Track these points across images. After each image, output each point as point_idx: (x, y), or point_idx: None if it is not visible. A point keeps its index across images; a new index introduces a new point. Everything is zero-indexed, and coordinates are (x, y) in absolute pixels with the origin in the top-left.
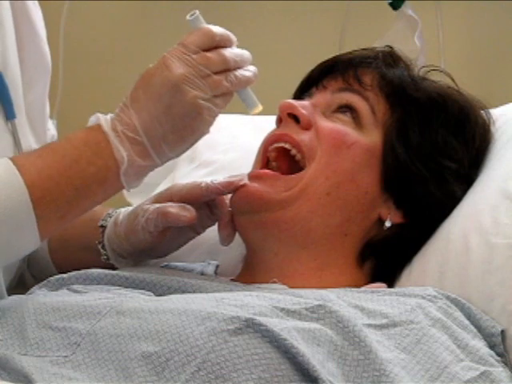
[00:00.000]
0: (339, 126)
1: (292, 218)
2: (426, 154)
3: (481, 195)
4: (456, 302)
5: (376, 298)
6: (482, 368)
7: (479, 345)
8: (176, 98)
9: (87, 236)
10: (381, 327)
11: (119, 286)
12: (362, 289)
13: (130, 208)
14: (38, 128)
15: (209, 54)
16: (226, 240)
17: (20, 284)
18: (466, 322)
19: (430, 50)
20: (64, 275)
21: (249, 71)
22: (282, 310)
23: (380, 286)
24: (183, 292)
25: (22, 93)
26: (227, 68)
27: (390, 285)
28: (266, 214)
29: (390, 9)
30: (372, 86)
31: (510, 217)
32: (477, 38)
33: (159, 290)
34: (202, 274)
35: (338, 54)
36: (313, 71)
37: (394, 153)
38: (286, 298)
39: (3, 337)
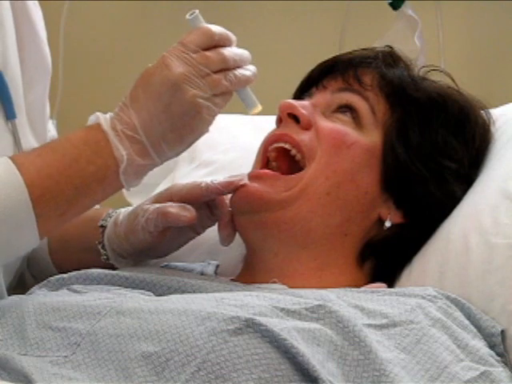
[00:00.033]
0: (339, 125)
1: (292, 218)
2: (426, 153)
3: (481, 195)
4: (456, 302)
5: (376, 298)
6: (482, 368)
7: (479, 345)
8: (175, 96)
9: (87, 236)
10: (381, 327)
11: (119, 286)
12: (362, 289)
13: (130, 208)
14: (38, 128)
15: (208, 53)
16: (226, 240)
17: (20, 284)
18: (466, 321)
19: (430, 50)
20: (64, 275)
21: (248, 71)
22: (282, 310)
23: (380, 286)
24: (183, 292)
25: (23, 93)
26: (226, 67)
27: (390, 285)
28: (266, 213)
29: (389, 9)
30: (372, 86)
31: (510, 217)
32: (477, 38)
33: (159, 290)
34: (202, 273)
35: (337, 53)
36: (313, 71)
37: (394, 153)
38: (286, 298)
39: (3, 337)
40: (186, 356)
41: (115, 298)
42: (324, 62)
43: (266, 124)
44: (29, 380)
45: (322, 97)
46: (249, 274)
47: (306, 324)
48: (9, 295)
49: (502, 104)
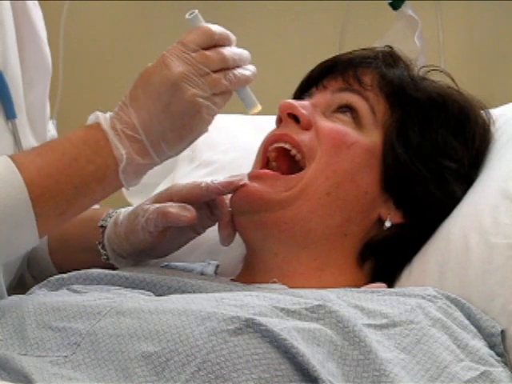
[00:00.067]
0: (339, 126)
1: (292, 218)
2: (425, 153)
3: (481, 195)
4: (456, 302)
5: (376, 298)
6: (482, 368)
7: (479, 345)
8: (175, 96)
9: (87, 236)
10: (381, 327)
11: (119, 285)
12: (362, 289)
13: (131, 208)
14: (38, 128)
15: (208, 53)
16: (226, 240)
17: (20, 284)
18: (466, 321)
19: (430, 50)
20: (64, 275)
21: (248, 70)
22: (282, 310)
23: (380, 286)
24: (183, 292)
25: (23, 93)
26: (226, 66)
27: (390, 285)
28: (265, 214)
29: (390, 9)
30: (372, 86)
31: (510, 217)
32: (477, 38)
33: (159, 290)
34: (202, 273)
35: (337, 54)
36: (313, 71)
37: (394, 153)
38: (286, 298)
39: (3, 337)
40: (186, 356)
41: (115, 297)
42: (324, 62)
43: (266, 124)
44: (29, 380)
45: (322, 97)
46: (249, 273)
47: (306, 324)
48: (9, 295)
49: (502, 104)
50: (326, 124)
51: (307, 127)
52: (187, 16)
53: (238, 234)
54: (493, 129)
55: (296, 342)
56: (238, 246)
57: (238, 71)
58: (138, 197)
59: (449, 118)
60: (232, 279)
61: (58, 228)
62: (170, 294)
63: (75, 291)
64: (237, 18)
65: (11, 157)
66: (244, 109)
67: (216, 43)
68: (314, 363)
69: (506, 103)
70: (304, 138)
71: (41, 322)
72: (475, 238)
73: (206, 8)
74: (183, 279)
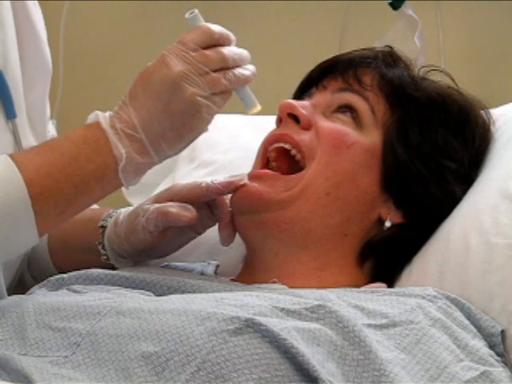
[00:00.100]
0: (339, 126)
1: (292, 218)
2: (425, 153)
3: (481, 195)
4: (456, 302)
5: (376, 298)
6: (482, 368)
7: (479, 345)
8: (175, 95)
9: (87, 237)
10: (381, 327)
11: (119, 286)
12: (362, 289)
13: (131, 208)
14: (39, 128)
15: (207, 52)
16: (226, 240)
17: (20, 284)
18: (466, 321)
19: (430, 50)
20: (64, 275)
21: (247, 70)
22: (282, 310)
23: (380, 286)
24: (183, 292)
25: (23, 93)
26: (226, 66)
27: (390, 285)
28: (265, 214)
29: (389, 9)
30: (372, 86)
31: (509, 217)
32: (477, 38)
33: (159, 290)
34: (202, 274)
35: (337, 54)
36: (313, 71)
37: (394, 153)
38: (286, 298)
39: (3, 337)
40: (186, 356)
41: (115, 298)
42: (324, 62)
43: (266, 124)
44: (29, 380)
45: (322, 97)
46: (249, 273)
47: (306, 324)
48: (9, 295)
49: (502, 104)
50: (326, 124)
51: (307, 127)
52: (187, 15)
53: (238, 234)
54: (493, 129)
55: (296, 342)
56: (238, 246)
57: (238, 71)
58: (138, 197)
59: (449, 117)
60: (232, 279)
61: (58, 227)
62: (170, 294)
63: (75, 291)
64: (237, 17)
65: (11, 156)
66: (244, 109)
67: (216, 43)
68: (314, 363)
69: (506, 103)
70: (304, 138)
71: (41, 322)
72: (475, 238)
73: (205, 8)
74: (183, 279)
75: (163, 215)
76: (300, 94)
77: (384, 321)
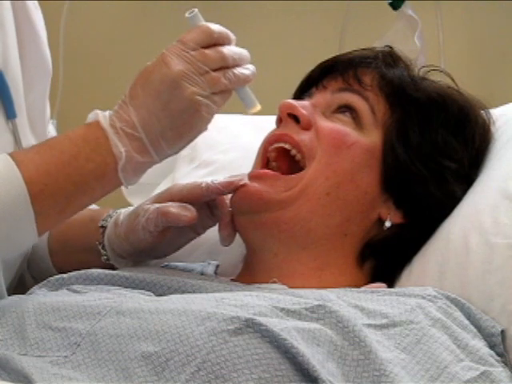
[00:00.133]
0: (339, 126)
1: (292, 218)
2: (425, 153)
3: (481, 195)
4: (456, 302)
5: (376, 298)
6: (482, 368)
7: (479, 345)
8: (174, 94)
9: (87, 237)
10: (381, 327)
11: (119, 285)
12: (362, 289)
13: (131, 208)
14: (39, 129)
15: (207, 51)
16: (226, 240)
17: (20, 284)
18: (466, 321)
19: (430, 50)
20: (64, 275)
21: (247, 69)
22: (282, 310)
23: (380, 286)
24: (183, 292)
25: (23, 93)
26: (225, 65)
27: (390, 285)
28: (265, 214)
29: (389, 9)
30: (372, 86)
31: (509, 217)
32: (477, 38)
33: (159, 290)
34: (202, 274)
35: (337, 54)
36: (313, 71)
37: (394, 153)
38: (286, 298)
39: (3, 337)
40: (186, 356)
41: (115, 298)
42: (324, 62)
43: (266, 124)
44: (29, 380)
45: (322, 97)
46: (249, 274)
47: (306, 324)
48: (9, 295)
49: (502, 104)
50: (326, 124)
51: (307, 127)
52: (187, 15)
53: (238, 234)
54: (493, 129)
55: (296, 342)
56: (238, 246)
57: (238, 70)
58: (138, 197)
59: (449, 117)
60: (232, 279)
61: (57, 225)
62: (170, 294)
63: (75, 291)
64: (237, 17)
65: (10, 154)
66: (244, 109)
67: (215, 42)
68: (314, 363)
69: (506, 103)
70: (304, 138)
71: (41, 322)
72: (475, 238)
73: (205, 8)
74: (183, 279)
75: (163, 215)
76: (300, 93)
77: (384, 321)
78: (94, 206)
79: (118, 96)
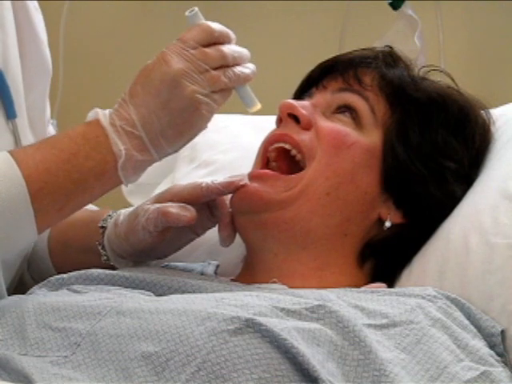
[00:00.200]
0: (339, 126)
1: (292, 219)
2: (425, 153)
3: (481, 195)
4: (456, 302)
5: (376, 298)
6: (482, 368)
7: (479, 345)
8: (174, 92)
9: (87, 238)
10: (381, 327)
11: (119, 285)
12: (362, 289)
13: (131, 209)
14: (39, 129)
15: (207, 50)
16: (226, 241)
17: (20, 284)
18: (466, 321)
19: (430, 50)
20: (64, 275)
21: (247, 68)
22: (282, 310)
23: (380, 286)
24: (183, 292)
25: (23, 93)
26: (225, 64)
27: (390, 285)
28: (265, 214)
29: (389, 9)
30: (372, 86)
31: (509, 217)
32: (477, 38)
33: (159, 290)
34: (202, 274)
35: (337, 54)
36: (313, 71)
37: (394, 153)
38: (286, 298)
39: (3, 337)
40: (186, 356)
41: (115, 298)
42: (324, 62)
43: (267, 124)
44: (29, 380)
45: (322, 97)
46: (249, 274)
47: (306, 324)
48: (9, 295)
49: (502, 104)
50: (326, 124)
51: (307, 127)
52: (187, 13)
53: (237, 235)
54: (493, 129)
55: (296, 342)
56: (238, 246)
57: (238, 69)
58: (138, 197)
59: (449, 117)
60: (232, 279)
61: (57, 223)
62: (170, 294)
63: (75, 291)
64: (237, 17)
65: (10, 152)
66: (244, 108)
67: (216, 41)
68: (314, 363)
69: (506, 103)
70: (304, 138)
71: (41, 322)
72: (475, 238)
73: (206, 8)
74: (183, 279)
75: (163, 215)
76: (300, 93)
77: (384, 321)
78: (94, 207)
79: (117, 96)
